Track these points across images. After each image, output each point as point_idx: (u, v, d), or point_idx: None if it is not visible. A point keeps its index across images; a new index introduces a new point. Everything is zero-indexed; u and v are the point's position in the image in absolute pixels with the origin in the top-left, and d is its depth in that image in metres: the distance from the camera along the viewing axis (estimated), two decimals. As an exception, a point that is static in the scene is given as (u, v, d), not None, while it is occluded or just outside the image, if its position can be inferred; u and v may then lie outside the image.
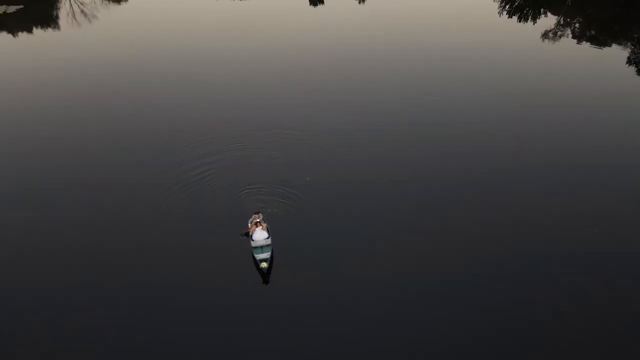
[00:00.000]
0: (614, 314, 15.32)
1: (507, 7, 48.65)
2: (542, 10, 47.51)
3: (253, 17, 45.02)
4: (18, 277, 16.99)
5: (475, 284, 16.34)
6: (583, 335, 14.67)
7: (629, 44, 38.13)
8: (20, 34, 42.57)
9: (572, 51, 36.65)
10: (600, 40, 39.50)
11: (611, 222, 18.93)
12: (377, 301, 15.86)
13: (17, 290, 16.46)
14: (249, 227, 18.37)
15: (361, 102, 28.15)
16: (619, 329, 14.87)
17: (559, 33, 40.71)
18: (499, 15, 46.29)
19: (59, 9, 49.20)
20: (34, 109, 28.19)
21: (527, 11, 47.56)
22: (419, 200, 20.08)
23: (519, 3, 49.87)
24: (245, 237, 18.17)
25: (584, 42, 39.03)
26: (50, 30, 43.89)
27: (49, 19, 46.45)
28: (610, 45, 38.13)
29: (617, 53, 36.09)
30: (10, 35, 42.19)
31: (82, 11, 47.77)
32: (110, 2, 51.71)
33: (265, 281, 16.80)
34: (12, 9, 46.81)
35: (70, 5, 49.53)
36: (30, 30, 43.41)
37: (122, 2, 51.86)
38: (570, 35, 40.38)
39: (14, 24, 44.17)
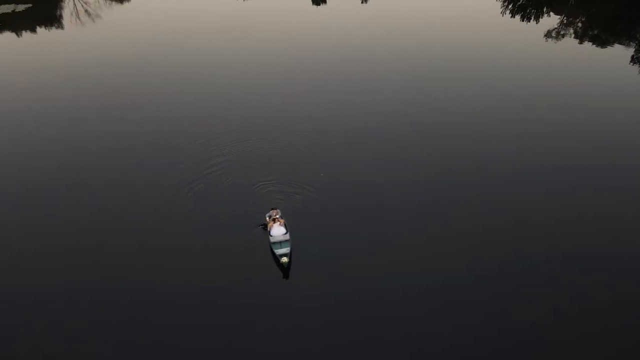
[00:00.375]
0: (615, 314, 15.32)
1: (510, 6, 48.54)
2: (544, 9, 47.38)
3: (257, 17, 45.13)
4: (20, 277, 17.07)
5: (480, 284, 16.34)
6: (584, 336, 14.68)
7: (631, 43, 38.00)
8: (28, 32, 42.83)
9: (574, 51, 36.64)
10: (603, 40, 39.43)
11: (613, 222, 18.91)
12: (388, 299, 15.96)
13: (19, 291, 16.54)
14: (267, 220, 18.60)
15: (364, 102, 28.20)
16: (620, 330, 14.87)
17: (562, 32, 40.62)
18: (501, 14, 46.24)
19: (66, 8, 49.42)
20: (37, 108, 28.33)
21: (530, 10, 47.46)
22: (429, 200, 20.15)
23: (521, 2, 49.73)
24: (262, 228, 18.47)
25: (587, 41, 39.01)
26: (56, 29, 44.10)
27: (56, 18, 46.77)
28: (612, 45, 38.06)
29: (621, 52, 35.99)
30: (18, 34, 42.41)
31: (86, 11, 48.03)
32: (115, 2, 51.91)
33: (286, 276, 16.86)
34: (20, 7, 47.16)
35: (74, 4, 49.79)
36: (37, 29, 43.67)
37: (126, 2, 52.03)
38: (573, 35, 40.30)
39: (22, 23, 44.44)
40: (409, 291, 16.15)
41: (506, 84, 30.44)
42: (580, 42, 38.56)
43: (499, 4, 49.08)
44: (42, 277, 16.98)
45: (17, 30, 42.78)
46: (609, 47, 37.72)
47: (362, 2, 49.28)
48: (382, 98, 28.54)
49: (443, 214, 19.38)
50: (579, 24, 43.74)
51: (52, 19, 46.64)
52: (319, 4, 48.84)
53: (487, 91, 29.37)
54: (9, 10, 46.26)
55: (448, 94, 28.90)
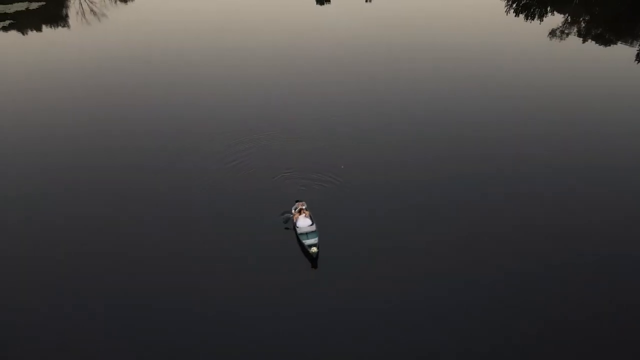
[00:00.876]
0: (620, 316, 15.71)
1: (514, 5, 48.84)
2: (548, 8, 47.58)
3: (266, 18, 45.74)
4: (40, 276, 17.49)
5: (514, 283, 16.85)
6: (590, 339, 15.05)
7: (635, 41, 38.26)
8: (40, 30, 43.58)
9: (579, 49, 37.22)
10: (609, 39, 39.63)
11: (620, 224, 19.37)
12: (416, 289, 16.75)
13: (34, 291, 16.93)
14: (293, 213, 19.23)
15: (373, 100, 28.90)
16: (622, 330, 15.30)
17: (567, 31, 40.88)
18: (506, 14, 46.55)
19: (78, 6, 50.34)
20: (43, 108, 28.87)
21: (534, 10, 47.76)
22: (449, 196, 20.89)
23: (525, 2, 49.98)
24: (282, 216, 19.29)
25: (593, 40, 39.48)
26: (69, 27, 44.65)
27: (68, 16, 47.30)
28: (616, 44, 38.40)
29: (625, 51, 36.49)
30: (30, 32, 43.13)
31: (91, 10, 48.85)
32: (123, 1, 52.82)
33: (314, 266, 17.50)
34: (34, 5, 48.33)
35: (87, 3, 50.98)
36: (50, 27, 44.44)
37: (132, 2, 52.84)
38: (578, 34, 40.66)
39: (35, 20, 45.12)
40: (436, 283, 16.80)
41: (514, 83, 30.97)
42: (585, 41, 38.88)
43: (503, 3, 49.33)
44: (51, 275, 17.46)
45: (29, 28, 43.46)
46: (613, 45, 38.02)
47: (366, 1, 49.87)
48: (393, 97, 29.28)
49: (460, 214, 19.91)
50: (583, 23, 43.91)
51: (65, 17, 47.22)
52: (323, 4, 49.56)
53: (494, 91, 29.88)
54: (23, 8, 47.30)
55: (456, 94, 29.48)
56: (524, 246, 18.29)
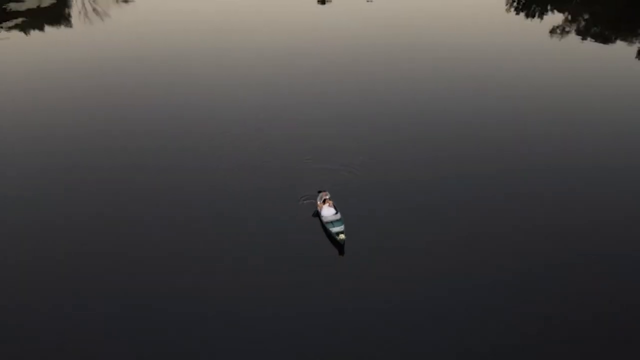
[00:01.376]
0: (620, 316, 15.76)
1: (514, 4, 48.89)
2: (548, 7, 47.63)
3: (267, 18, 45.69)
4: (40, 276, 17.45)
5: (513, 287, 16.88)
6: (590, 339, 15.11)
7: (635, 40, 38.22)
8: (44, 30, 43.46)
9: (580, 50, 37.19)
10: (609, 38, 39.65)
11: (620, 224, 19.42)
12: (438, 278, 17.01)
13: (57, 290, 16.96)
14: (318, 204, 19.75)
15: (370, 101, 28.97)
16: (622, 330, 15.36)
17: (567, 29, 40.90)
18: (507, 12, 46.56)
19: (80, 6, 50.12)
20: (48, 109, 28.82)
21: (534, 8, 47.81)
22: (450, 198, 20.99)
23: (525, 0, 50.04)
24: (306, 200, 20.17)
25: (593, 40, 39.46)
26: (71, 27, 44.45)
27: (71, 16, 47.03)
28: (616, 43, 38.34)
29: (627, 51, 36.48)
30: (36, 32, 42.98)
31: (95, 9, 48.80)
32: (129, 1, 52.67)
33: (341, 253, 17.99)
34: (46, 3, 48.04)
35: (83, 3, 50.81)
36: (54, 26, 44.32)
37: (138, 1, 52.73)
38: (578, 33, 40.63)
39: (45, 19, 45.02)
40: (436, 283, 16.89)
41: (514, 83, 31.01)
42: (585, 41, 38.86)
43: (503, 3, 49.34)
44: (51, 275, 17.43)
45: (35, 28, 43.34)
46: (613, 45, 38.06)
47: (367, 1, 49.86)
48: (393, 97, 29.33)
49: (462, 214, 20.03)
50: (583, 22, 43.92)
51: (69, 16, 46.91)
52: (324, 3, 49.60)
53: (495, 91, 29.91)
54: (34, 6, 46.82)
55: (456, 94, 29.54)
56: (524, 246, 18.34)
